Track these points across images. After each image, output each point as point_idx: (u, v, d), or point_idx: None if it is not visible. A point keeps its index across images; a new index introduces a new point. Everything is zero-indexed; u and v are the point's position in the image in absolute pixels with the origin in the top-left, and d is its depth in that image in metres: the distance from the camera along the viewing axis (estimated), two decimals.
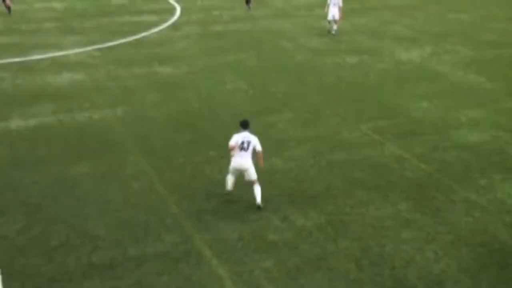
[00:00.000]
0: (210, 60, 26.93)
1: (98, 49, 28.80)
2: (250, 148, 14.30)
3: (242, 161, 14.30)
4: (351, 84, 23.59)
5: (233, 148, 14.24)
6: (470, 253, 12.67)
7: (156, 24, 33.98)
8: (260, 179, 15.66)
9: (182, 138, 18.45)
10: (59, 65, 26.17)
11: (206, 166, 16.62)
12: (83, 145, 17.98)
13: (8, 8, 35.64)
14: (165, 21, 34.80)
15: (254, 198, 14.47)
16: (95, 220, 13.98)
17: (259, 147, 14.44)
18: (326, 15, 31.19)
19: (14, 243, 13.15)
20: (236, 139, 14.25)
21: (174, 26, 33.63)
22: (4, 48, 29.04)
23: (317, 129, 19.05)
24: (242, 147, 14.24)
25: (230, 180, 14.66)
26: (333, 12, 30.41)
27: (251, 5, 36.25)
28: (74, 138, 18.40)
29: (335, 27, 30.62)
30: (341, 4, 30.42)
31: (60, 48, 28.98)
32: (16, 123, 19.73)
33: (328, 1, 30.67)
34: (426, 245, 12.90)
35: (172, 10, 37.69)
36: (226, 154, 17.11)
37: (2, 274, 12.14)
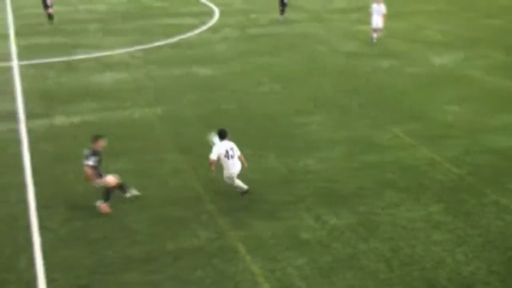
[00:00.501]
0: (247, 62, 27.32)
1: (139, 50, 29.43)
2: (235, 153, 14.78)
3: (236, 168, 14.82)
4: (384, 87, 23.71)
5: (213, 163, 14.64)
6: (500, 256, 12.75)
7: (195, 26, 34.48)
8: (293, 179, 16.05)
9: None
10: (101, 65, 26.85)
11: None
12: (124, 142, 18.49)
13: (50, 15, 35.72)
14: (204, 23, 35.28)
15: (240, 189, 15.14)
16: (134, 215, 14.46)
17: (238, 152, 14.97)
18: (370, 23, 30.74)
19: (57, 235, 13.69)
20: (218, 151, 14.62)
21: (213, 29, 34.09)
22: (50, 47, 29.86)
23: (349, 131, 19.28)
24: (229, 156, 14.66)
25: (238, 180, 15.05)
26: (377, 20, 30.03)
27: (285, 12, 36.13)
28: (115, 136, 18.87)
29: (375, 35, 30.36)
30: (384, 11, 29.98)
31: (103, 48, 29.71)
32: (60, 120, 20.42)
33: (372, 10, 30.35)
34: (456, 248, 13.03)
35: (211, 13, 38.17)
36: (261, 154, 17.56)
37: (45, 264, 12.65)
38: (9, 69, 26.41)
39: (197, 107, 21.60)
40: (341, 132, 19.19)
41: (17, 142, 18.65)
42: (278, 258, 12.77)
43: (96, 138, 14.57)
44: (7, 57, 28.35)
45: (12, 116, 20.79)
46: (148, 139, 18.78)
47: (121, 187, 14.82)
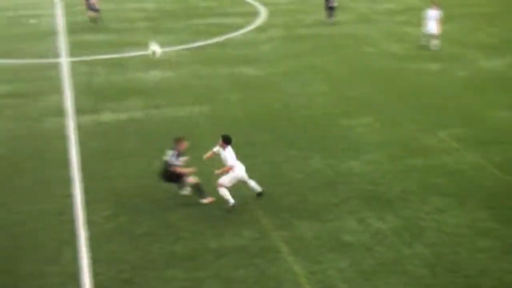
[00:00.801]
0: (293, 62, 27.29)
1: (186, 49, 29.70)
2: None
3: (243, 170, 14.84)
4: (431, 90, 23.41)
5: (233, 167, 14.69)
6: None
7: (241, 26, 34.61)
8: (338, 181, 16.02)
9: (263, 137, 18.91)
10: (149, 63, 27.12)
11: (285, 165, 17.00)
12: (169, 140, 18.60)
13: (93, 18, 35.30)
14: (250, 23, 35.37)
15: (253, 191, 15.20)
16: (179, 212, 14.62)
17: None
18: (423, 27, 29.88)
19: (102, 230, 13.95)
20: (232, 156, 14.64)
21: (259, 29, 34.15)
22: (99, 45, 30.35)
23: (395, 134, 19.13)
24: (236, 159, 14.71)
25: (228, 194, 14.83)
26: (432, 25, 29.14)
27: (333, 15, 35.57)
28: (161, 133, 19.11)
29: (435, 42, 29.41)
30: (439, 17, 29.04)
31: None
32: (108, 116, 20.78)
33: (426, 14, 29.52)
34: (502, 255, 12.83)
35: (257, 13, 38.24)
36: (307, 155, 17.56)
37: (90, 258, 12.89)
38: (60, 66, 26.95)
39: (242, 106, 21.70)
40: (386, 135, 19.06)
41: (65, 138, 19.04)
42: (320, 260, 12.77)
43: (179, 139, 14.99)
44: (57, 54, 28.91)
45: (61, 111, 21.20)
46: (192, 137, 18.82)
47: (182, 183, 15.15)
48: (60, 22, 35.99)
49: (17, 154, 18.01)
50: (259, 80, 24.86)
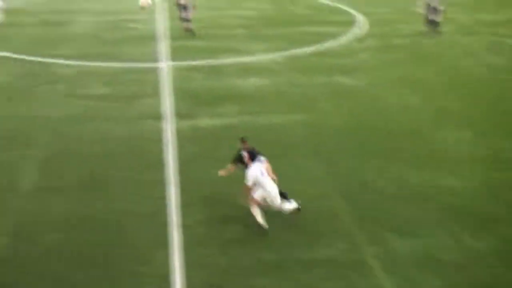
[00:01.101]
0: (389, 73, 26.85)
1: (283, 56, 29.77)
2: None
3: (271, 186, 14.35)
4: None
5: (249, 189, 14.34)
6: None
7: (338, 34, 34.36)
8: (434, 197, 15.60)
9: (357, 148, 18.67)
10: (245, 69, 27.42)
11: (378, 177, 16.70)
12: (262, 147, 18.62)
13: (189, 29, 34.71)
14: (347, 32, 35.08)
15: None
16: (269, 219, 14.39)
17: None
18: None
19: (195, 233, 14.13)
20: (252, 174, 14.19)
21: (355, 38, 33.82)
22: (198, 50, 30.81)
23: (492, 149, 18.49)
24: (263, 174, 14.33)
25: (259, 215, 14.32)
26: None
27: (438, 26, 34.56)
28: (255, 140, 19.09)
29: None
30: None
31: (248, 53, 30.28)
32: (204, 122, 21.07)
33: None
34: None
35: (354, 22, 37.88)
36: (400, 168, 17.21)
37: (181, 260, 13.06)
38: (158, 70, 27.58)
39: (337, 116, 21.53)
40: (483, 150, 18.46)
41: (161, 141, 19.43)
42: (412, 277, 12.46)
43: (245, 139, 15.22)
44: (157, 58, 29.62)
45: (158, 115, 21.70)
46: (286, 145, 18.96)
47: None
48: (161, 27, 36.86)
49: (113, 155, 18.49)
50: (355, 90, 24.62)
